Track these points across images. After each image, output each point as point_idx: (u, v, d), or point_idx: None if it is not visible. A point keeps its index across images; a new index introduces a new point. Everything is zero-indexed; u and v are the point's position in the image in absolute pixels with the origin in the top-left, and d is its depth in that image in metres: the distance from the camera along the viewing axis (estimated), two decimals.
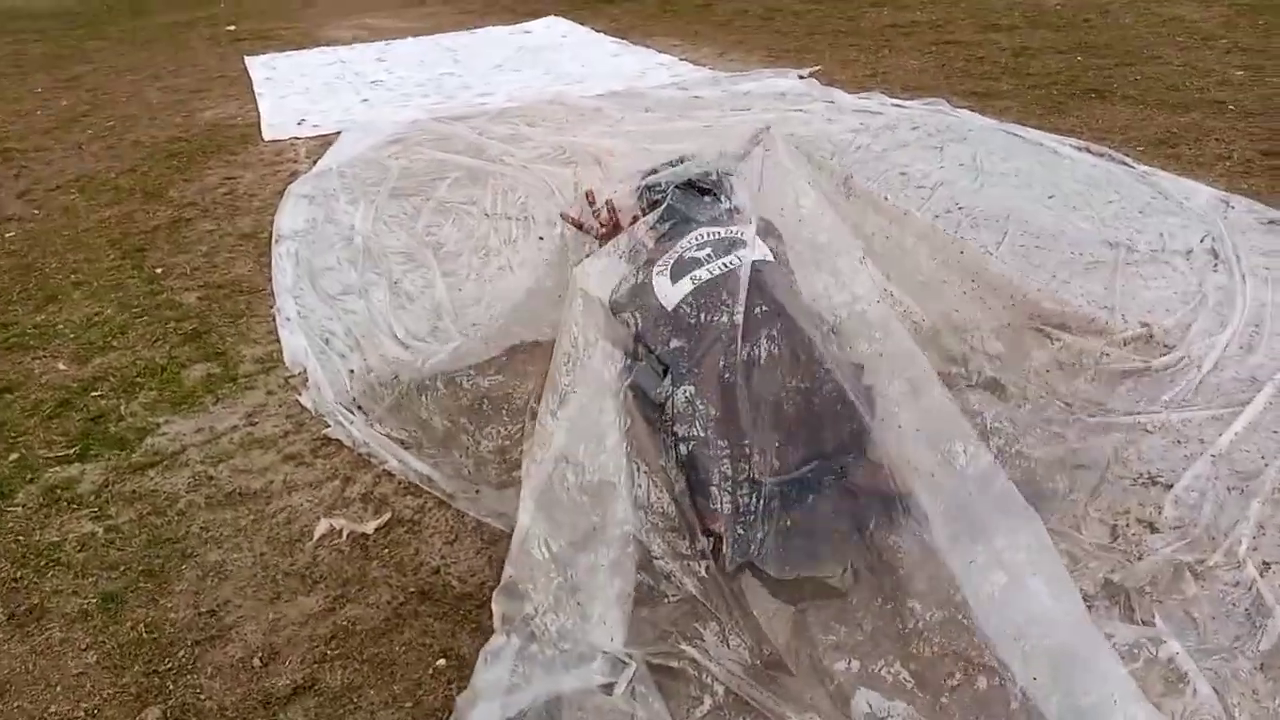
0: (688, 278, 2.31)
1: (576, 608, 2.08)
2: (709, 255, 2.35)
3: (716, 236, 2.42)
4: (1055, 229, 3.94)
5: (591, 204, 3.03)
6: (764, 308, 2.26)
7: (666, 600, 2.13)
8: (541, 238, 4.35)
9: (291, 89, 7.56)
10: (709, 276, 2.30)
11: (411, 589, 2.34)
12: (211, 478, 2.81)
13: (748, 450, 2.14)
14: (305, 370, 3.31)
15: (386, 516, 2.58)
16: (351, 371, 3.29)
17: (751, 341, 2.21)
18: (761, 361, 2.21)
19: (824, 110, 5.98)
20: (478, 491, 2.64)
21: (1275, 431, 2.67)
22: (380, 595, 2.33)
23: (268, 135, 6.36)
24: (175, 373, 3.39)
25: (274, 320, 3.72)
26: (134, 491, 2.77)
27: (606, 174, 4.35)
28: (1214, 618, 2.09)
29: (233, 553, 2.50)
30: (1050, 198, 4.30)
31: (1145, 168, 4.57)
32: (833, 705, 1.92)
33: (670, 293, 2.32)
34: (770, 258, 2.41)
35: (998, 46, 7.48)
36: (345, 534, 2.52)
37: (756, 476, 2.13)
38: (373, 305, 3.79)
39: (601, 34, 9.25)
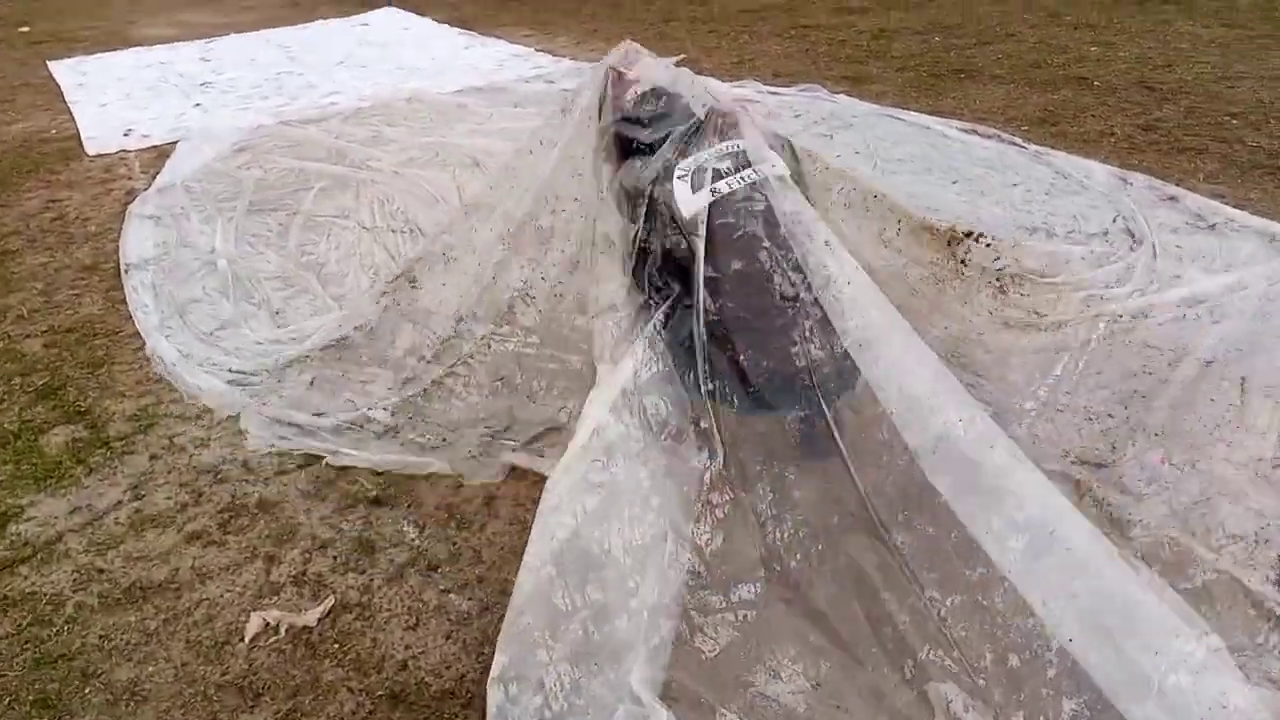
0: (707, 189, 2.39)
1: (599, 666, 1.84)
2: (727, 169, 2.43)
3: (732, 150, 2.48)
4: (970, 215, 3.86)
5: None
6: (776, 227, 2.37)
7: (703, 656, 1.91)
8: (445, 254, 3.98)
9: (110, 96, 6.79)
10: (727, 190, 2.39)
11: (379, 692, 1.98)
12: (102, 570, 2.35)
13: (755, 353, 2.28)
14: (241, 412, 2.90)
15: (329, 602, 2.20)
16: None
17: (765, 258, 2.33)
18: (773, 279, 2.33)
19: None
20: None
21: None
22: (342, 704, 1.96)
23: (91, 149, 5.66)
24: (32, 440, 2.86)
25: (143, 367, 3.22)
26: (5, 596, 2.28)
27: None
28: None
29: (146, 666, 2.07)
30: (954, 183, 4.25)
31: (1037, 147, 4.58)
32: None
33: (689, 200, 2.39)
34: (787, 173, 2.48)
35: (855, 29, 7.49)
36: (283, 629, 2.13)
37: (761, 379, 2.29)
38: (258, 339, 3.34)
39: (445, 25, 8.79)
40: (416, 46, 7.98)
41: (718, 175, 2.53)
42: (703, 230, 2.40)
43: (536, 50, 7.60)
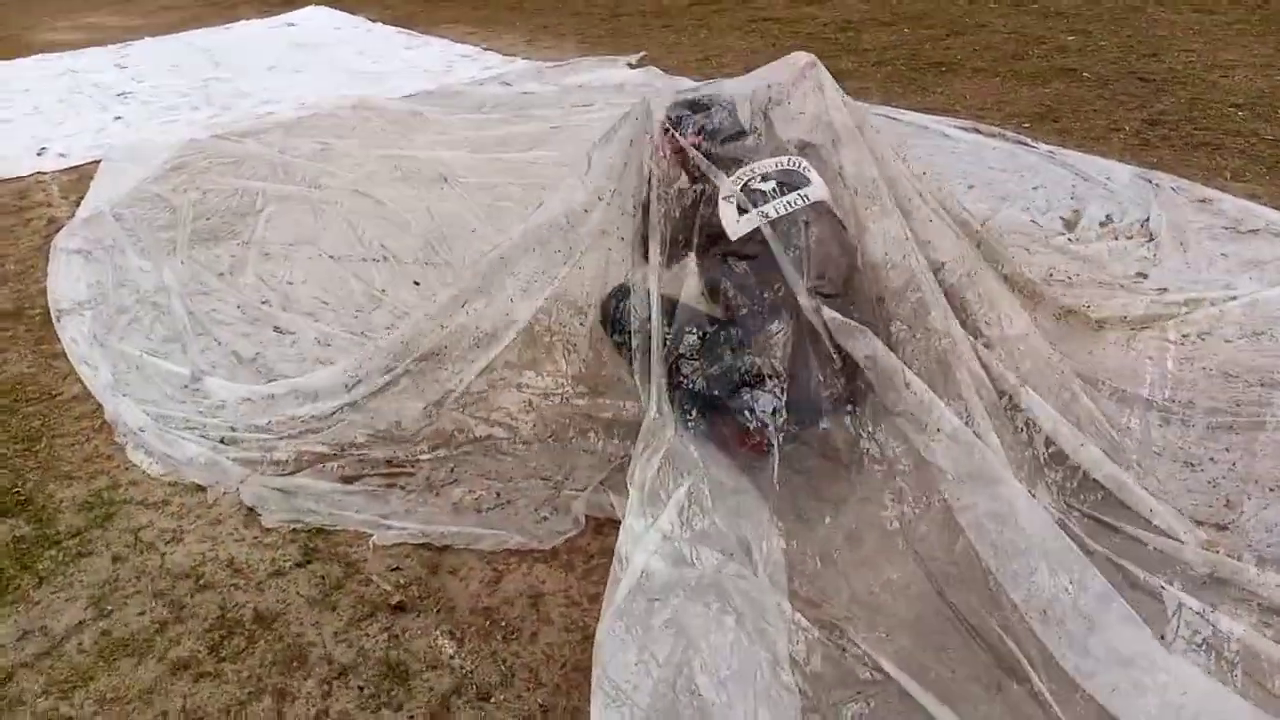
0: (756, 212, 2.21)
1: None
2: (774, 190, 2.24)
3: (780, 169, 2.29)
4: (1004, 224, 3.58)
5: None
6: (824, 252, 2.21)
7: None
8: (417, 283, 3.55)
9: (15, 110, 6.16)
10: (777, 214, 2.21)
11: None
12: None
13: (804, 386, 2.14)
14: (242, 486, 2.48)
15: None
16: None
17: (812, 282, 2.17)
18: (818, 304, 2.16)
19: None
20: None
21: None
22: None
23: (0, 172, 5.07)
24: None
25: (90, 439, 2.75)
26: None
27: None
28: None
29: None
30: (970, 187, 3.96)
31: (1047, 146, 4.32)
32: None
33: (736, 225, 2.22)
34: (829, 197, 2.30)
35: (818, 21, 7.19)
36: None
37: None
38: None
39: (379, 24, 8.26)
40: (355, 47, 7.46)
41: (763, 197, 2.22)
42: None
43: (484, 49, 7.15)
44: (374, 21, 8.34)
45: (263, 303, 3.48)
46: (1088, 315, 2.70)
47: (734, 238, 2.22)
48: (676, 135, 2.35)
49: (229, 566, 2.27)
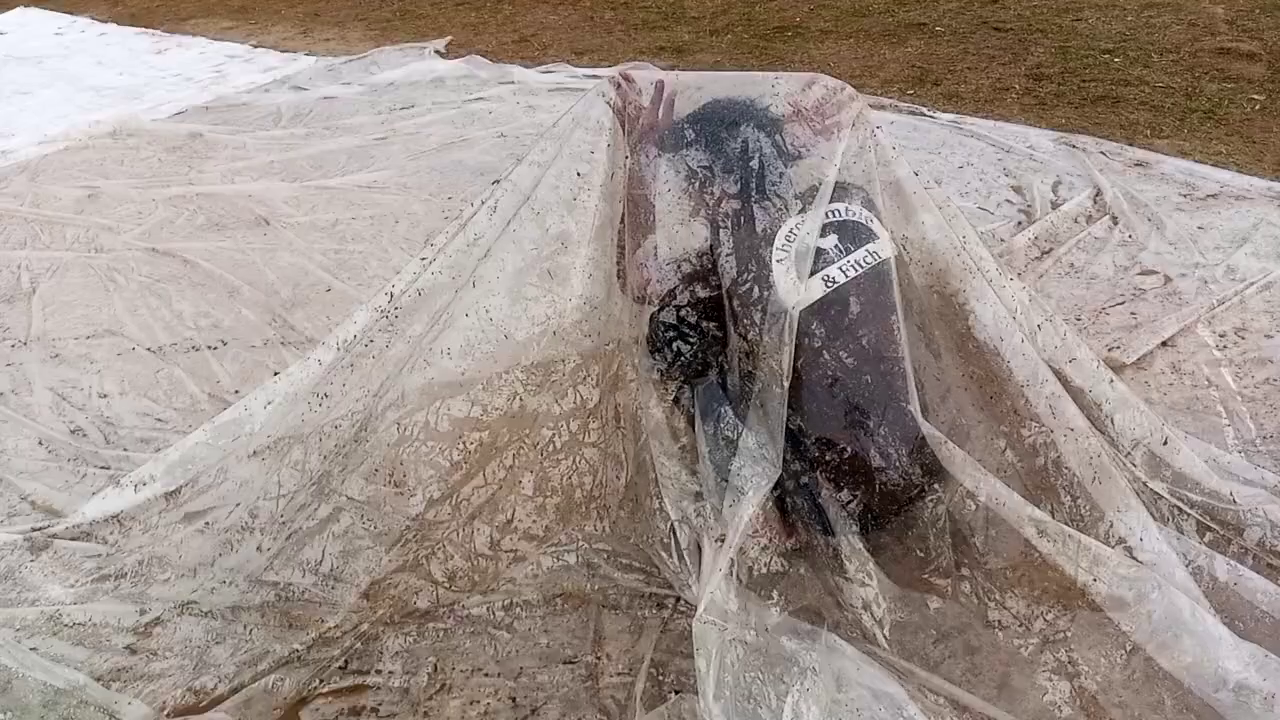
0: (819, 278, 1.65)
1: None
2: (837, 246, 1.69)
3: (839, 219, 1.72)
4: None
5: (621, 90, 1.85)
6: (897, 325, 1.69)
7: None
8: (278, 373, 2.75)
9: None
10: (844, 278, 1.67)
11: None
12: None
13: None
14: None
15: None
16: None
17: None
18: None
19: (513, 95, 4.73)
20: None
21: None
22: None
23: None
24: None
25: None
26: None
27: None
28: None
29: None
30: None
31: (947, 115, 3.99)
32: None
33: (795, 292, 1.64)
34: (894, 252, 1.75)
35: None
36: None
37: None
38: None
39: (112, 25, 6.99)
40: (89, 57, 6.22)
41: (829, 257, 1.66)
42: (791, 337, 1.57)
43: (254, 47, 6.13)
44: (104, 22, 7.05)
45: (73, 432, 2.59)
46: (1122, 361, 2.34)
47: (794, 309, 1.65)
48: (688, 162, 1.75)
49: None
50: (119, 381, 2.78)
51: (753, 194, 1.69)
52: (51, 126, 4.89)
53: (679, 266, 1.71)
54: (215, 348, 2.90)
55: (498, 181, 1.81)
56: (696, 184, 1.73)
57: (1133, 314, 2.62)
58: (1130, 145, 3.53)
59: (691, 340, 1.73)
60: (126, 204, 3.91)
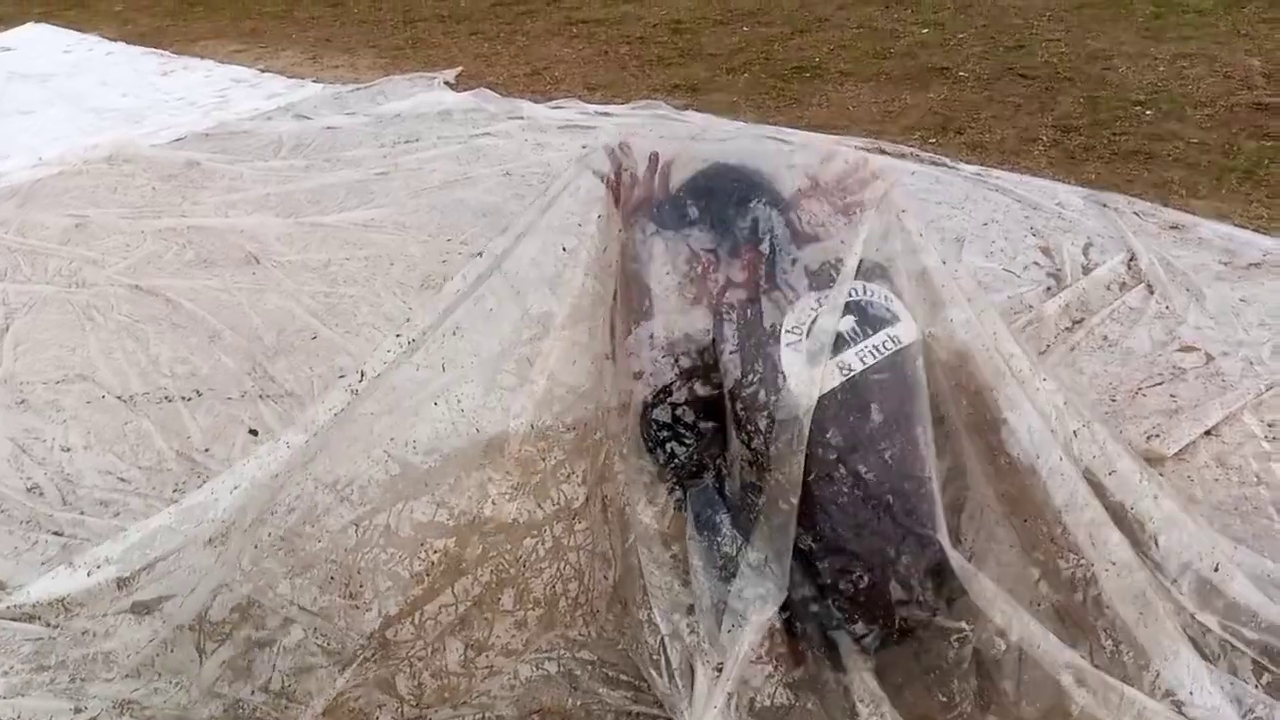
0: (833, 364, 1.46)
1: None
2: (854, 329, 1.50)
3: (856, 299, 1.53)
4: (977, 278, 2.99)
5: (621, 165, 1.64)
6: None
7: None
8: (254, 431, 2.58)
9: None
10: (861, 366, 1.48)
11: None
12: None
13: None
14: None
15: None
16: None
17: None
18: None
19: (521, 131, 4.58)
20: None
21: None
22: None
23: None
24: None
25: None
26: None
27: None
28: None
29: None
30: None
31: (970, 167, 3.81)
32: None
33: (808, 380, 1.44)
34: (919, 336, 1.56)
35: (645, 23, 6.48)
36: None
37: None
38: None
39: (121, 44, 6.89)
40: (93, 77, 6.11)
41: (843, 341, 1.47)
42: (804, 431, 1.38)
43: (260, 71, 6.00)
44: (113, 41, 6.94)
45: (30, 489, 2.42)
46: (1162, 453, 2.15)
47: (805, 401, 1.45)
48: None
49: None
50: (84, 433, 2.61)
51: (762, 283, 1.51)
52: (49, 149, 4.76)
53: (676, 360, 1.52)
54: (189, 399, 2.73)
55: (479, 255, 1.64)
56: (698, 268, 1.55)
57: (1172, 396, 2.42)
58: (1165, 206, 3.34)
59: (688, 441, 1.55)
60: (115, 235, 3.76)
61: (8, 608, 2.01)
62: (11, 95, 5.77)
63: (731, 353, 1.48)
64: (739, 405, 1.46)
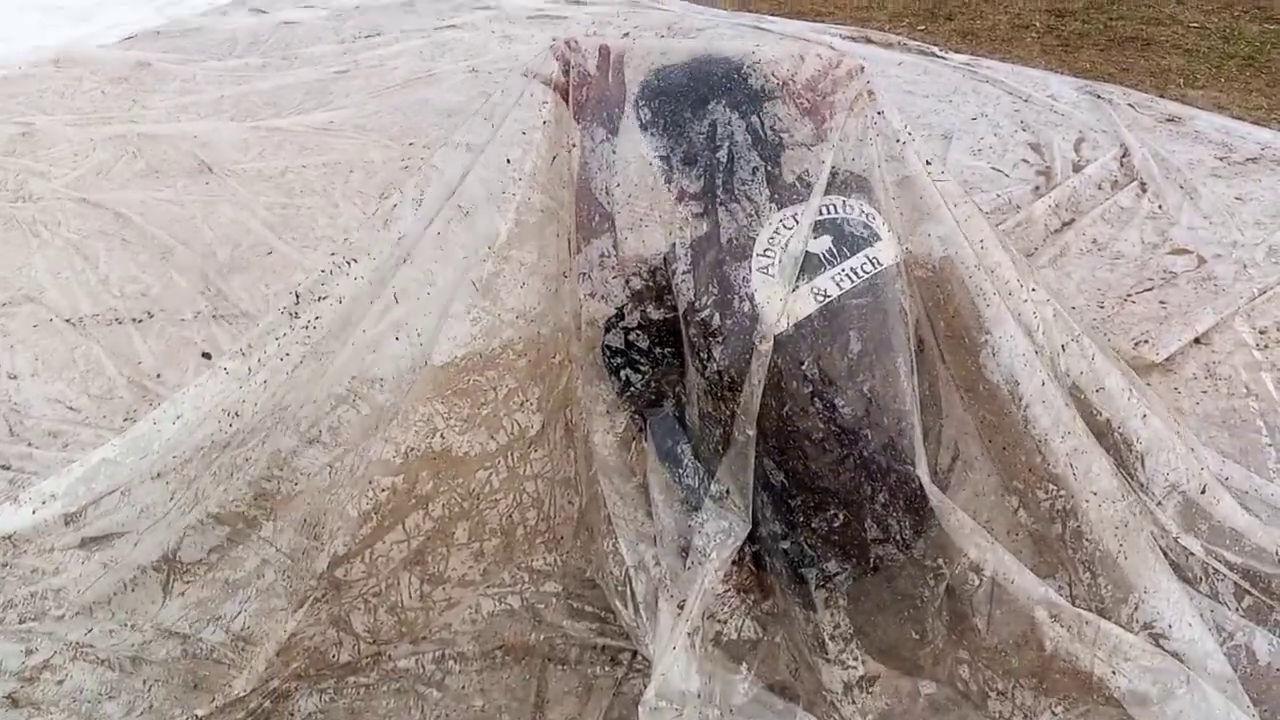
0: (806, 289, 1.35)
1: None
2: (830, 251, 1.39)
3: (832, 216, 1.41)
4: (962, 174, 2.87)
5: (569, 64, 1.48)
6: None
7: None
8: (207, 354, 2.48)
9: None
10: (838, 291, 1.36)
11: None
12: None
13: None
14: None
15: None
16: None
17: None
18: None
19: (489, 23, 4.35)
20: None
21: None
22: None
23: None
24: None
25: None
26: None
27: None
28: None
29: None
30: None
31: (960, 56, 3.63)
32: None
33: (782, 307, 1.33)
34: (901, 256, 1.45)
35: None
36: None
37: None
38: None
39: None
40: None
41: (818, 263, 1.35)
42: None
43: None
44: None
45: None
46: (1150, 360, 2.07)
47: (776, 328, 1.35)
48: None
49: None
50: (32, 360, 2.50)
51: (718, 194, 1.38)
52: None
53: (627, 281, 1.42)
54: (140, 320, 2.62)
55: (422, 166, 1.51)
56: (649, 178, 1.42)
57: (1162, 303, 2.33)
58: (1161, 97, 3.20)
59: (643, 368, 1.45)
60: (62, 144, 3.58)
61: None
62: None
63: (685, 273, 1.37)
64: (692, 330, 1.36)
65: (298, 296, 1.58)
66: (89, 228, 3.03)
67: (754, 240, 1.35)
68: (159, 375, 2.42)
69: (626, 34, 3.88)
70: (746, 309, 1.32)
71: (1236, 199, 2.67)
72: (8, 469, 2.18)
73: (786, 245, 1.36)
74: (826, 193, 1.40)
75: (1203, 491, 1.52)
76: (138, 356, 2.48)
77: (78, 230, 3.02)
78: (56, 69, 4.26)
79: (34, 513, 1.91)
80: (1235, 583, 1.50)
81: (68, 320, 2.63)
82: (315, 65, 4.08)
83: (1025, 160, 2.95)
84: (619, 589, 1.59)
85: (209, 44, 4.42)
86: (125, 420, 2.28)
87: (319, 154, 3.37)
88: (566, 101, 1.48)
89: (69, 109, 3.89)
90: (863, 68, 1.47)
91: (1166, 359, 2.13)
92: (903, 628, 1.38)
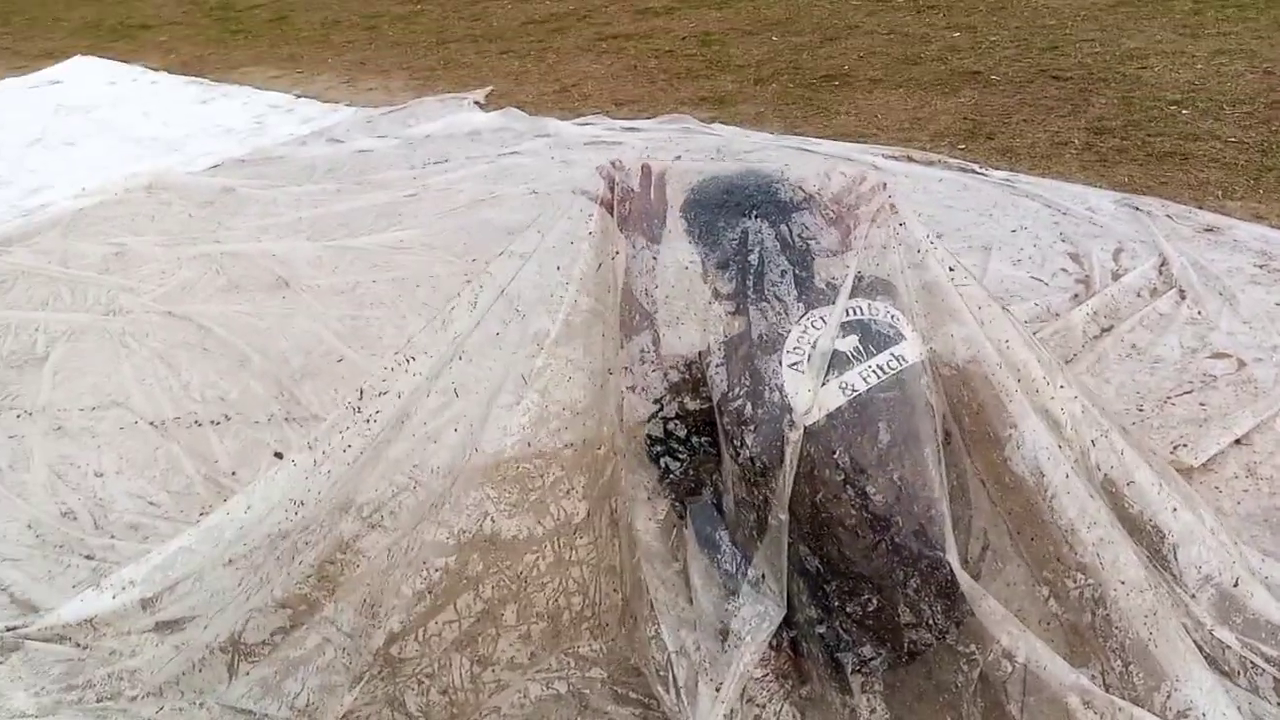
0: (835, 384, 1.43)
1: None
2: (857, 349, 1.47)
3: (858, 317, 1.51)
4: (1001, 285, 2.96)
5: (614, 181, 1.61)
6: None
7: None
8: (279, 454, 2.62)
9: None
10: (865, 385, 1.45)
11: None
12: None
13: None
14: None
15: None
16: None
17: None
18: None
19: (548, 149, 4.61)
20: None
21: None
22: None
23: None
24: None
25: None
26: None
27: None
28: None
29: None
30: (938, 237, 3.34)
31: (1000, 173, 3.76)
32: None
33: (810, 399, 1.42)
34: (926, 354, 1.53)
35: (674, 35, 6.50)
36: None
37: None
38: None
39: (163, 73, 7.05)
40: (136, 106, 6.26)
41: (846, 360, 1.44)
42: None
43: (297, 96, 6.11)
44: (156, 70, 7.11)
45: (64, 514, 2.48)
46: (1189, 464, 2.10)
47: (807, 419, 1.43)
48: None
49: None
50: (117, 458, 2.67)
51: (749, 294, 1.50)
52: (91, 179, 4.88)
53: (665, 374, 1.52)
54: (218, 423, 2.79)
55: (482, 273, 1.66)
56: (686, 281, 1.55)
57: (1202, 405, 2.37)
58: (1199, 208, 3.27)
59: (681, 456, 1.55)
60: (151, 263, 3.84)
61: (39, 629, 2.06)
62: (58, 127, 5.93)
63: (718, 365, 1.47)
64: (725, 419, 1.45)
65: (361, 393, 1.71)
66: (173, 338, 3.23)
67: (784, 337, 1.45)
68: (234, 473, 2.56)
69: (678, 157, 4.10)
70: (777, 399, 1.41)
71: (1276, 304, 2.71)
72: (91, 559, 2.32)
73: (815, 343, 1.46)
74: (853, 295, 1.50)
75: (1236, 584, 1.55)
76: (215, 456, 2.63)
77: (163, 341, 3.23)
78: (148, 194, 4.58)
79: (114, 598, 2.04)
80: (1274, 677, 1.51)
81: (151, 423, 2.81)
82: (387, 189, 4.34)
83: (1064, 269, 3.03)
84: (660, 674, 1.64)
85: (289, 171, 4.73)
86: (201, 514, 2.41)
87: (388, 270, 3.58)
88: (612, 214, 1.63)
89: (159, 230, 4.18)
90: (885, 184, 1.59)
91: (1207, 461, 2.16)
92: (939, 715, 1.42)
